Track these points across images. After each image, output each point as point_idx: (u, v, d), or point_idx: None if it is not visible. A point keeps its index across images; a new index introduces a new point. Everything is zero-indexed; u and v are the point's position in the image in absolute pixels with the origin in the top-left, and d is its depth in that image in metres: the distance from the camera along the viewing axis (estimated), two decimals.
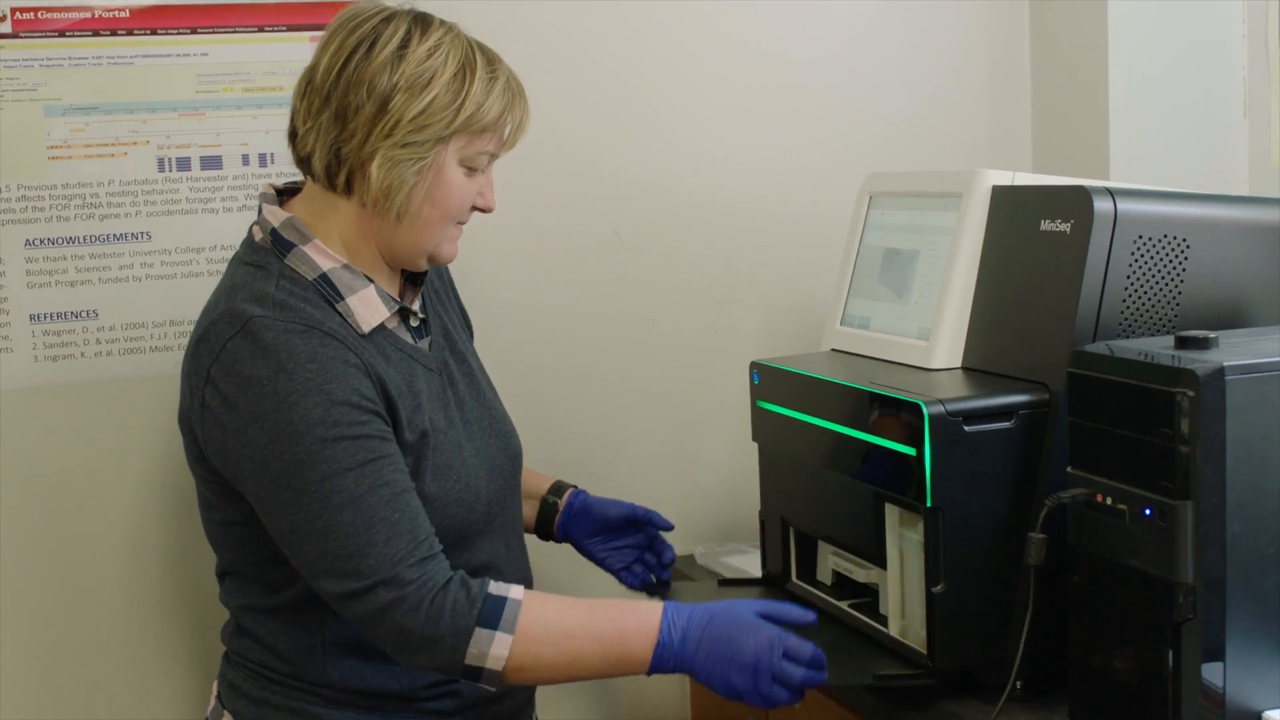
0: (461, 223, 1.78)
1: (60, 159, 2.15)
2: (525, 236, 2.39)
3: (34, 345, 2.15)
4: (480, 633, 1.59)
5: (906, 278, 2.02)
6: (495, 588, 1.62)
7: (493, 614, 1.59)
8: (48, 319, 2.16)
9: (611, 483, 2.43)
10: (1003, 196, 1.90)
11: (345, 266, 1.71)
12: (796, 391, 1.98)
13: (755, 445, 2.13)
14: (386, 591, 1.58)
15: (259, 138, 2.22)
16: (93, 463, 2.20)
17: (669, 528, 2.04)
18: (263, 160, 2.23)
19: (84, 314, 2.18)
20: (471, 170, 1.73)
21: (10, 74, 2.11)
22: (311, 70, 1.70)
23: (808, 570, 2.07)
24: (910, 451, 1.71)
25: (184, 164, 2.20)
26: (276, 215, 1.73)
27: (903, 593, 1.82)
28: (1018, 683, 1.68)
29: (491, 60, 1.74)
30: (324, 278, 1.70)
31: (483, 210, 1.78)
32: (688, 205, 2.47)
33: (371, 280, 1.73)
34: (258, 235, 1.74)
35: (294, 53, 2.22)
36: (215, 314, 1.66)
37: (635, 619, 1.64)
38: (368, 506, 1.59)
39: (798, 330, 2.51)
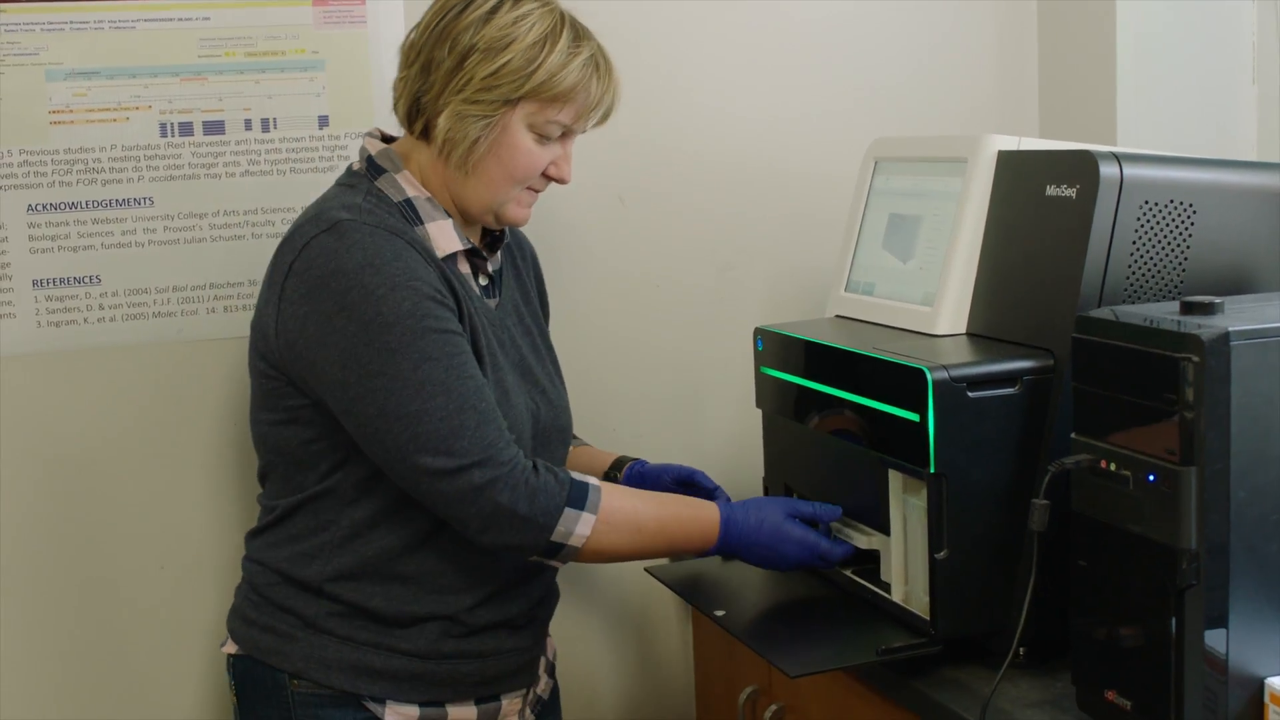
0: (534, 189, 1.86)
1: (62, 124, 2.14)
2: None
3: (36, 311, 2.14)
4: (569, 512, 1.73)
5: (911, 243, 2.01)
6: (578, 475, 1.78)
7: (579, 496, 1.74)
8: (50, 284, 2.15)
9: (615, 448, 2.43)
10: (1008, 161, 1.89)
11: (429, 199, 1.82)
12: (800, 357, 1.97)
13: (759, 411, 2.13)
14: (483, 472, 1.68)
15: (261, 102, 2.21)
16: (95, 428, 2.20)
17: (711, 488, 2.05)
18: (265, 125, 2.21)
19: (87, 279, 2.18)
20: (543, 138, 1.81)
21: (11, 38, 2.10)
22: (416, 27, 1.82)
23: None
24: (914, 417, 1.71)
25: (186, 129, 2.19)
26: (374, 145, 1.85)
27: (905, 559, 1.82)
28: (1020, 649, 1.68)
29: (580, 36, 1.80)
30: (408, 202, 1.80)
31: (556, 180, 1.86)
32: (691, 170, 2.45)
33: (450, 217, 1.83)
34: (356, 164, 1.86)
35: (296, 17, 2.20)
36: (304, 219, 1.77)
37: (694, 509, 1.85)
38: (459, 394, 1.68)
39: (801, 296, 2.50)
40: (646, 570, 2.21)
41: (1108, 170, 1.71)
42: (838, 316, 2.13)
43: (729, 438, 2.49)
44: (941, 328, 1.90)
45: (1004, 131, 1.99)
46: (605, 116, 1.87)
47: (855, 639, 1.81)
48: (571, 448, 2.10)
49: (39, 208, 2.14)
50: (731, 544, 1.84)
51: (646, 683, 2.54)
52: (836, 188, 2.39)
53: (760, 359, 2.07)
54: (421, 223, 1.80)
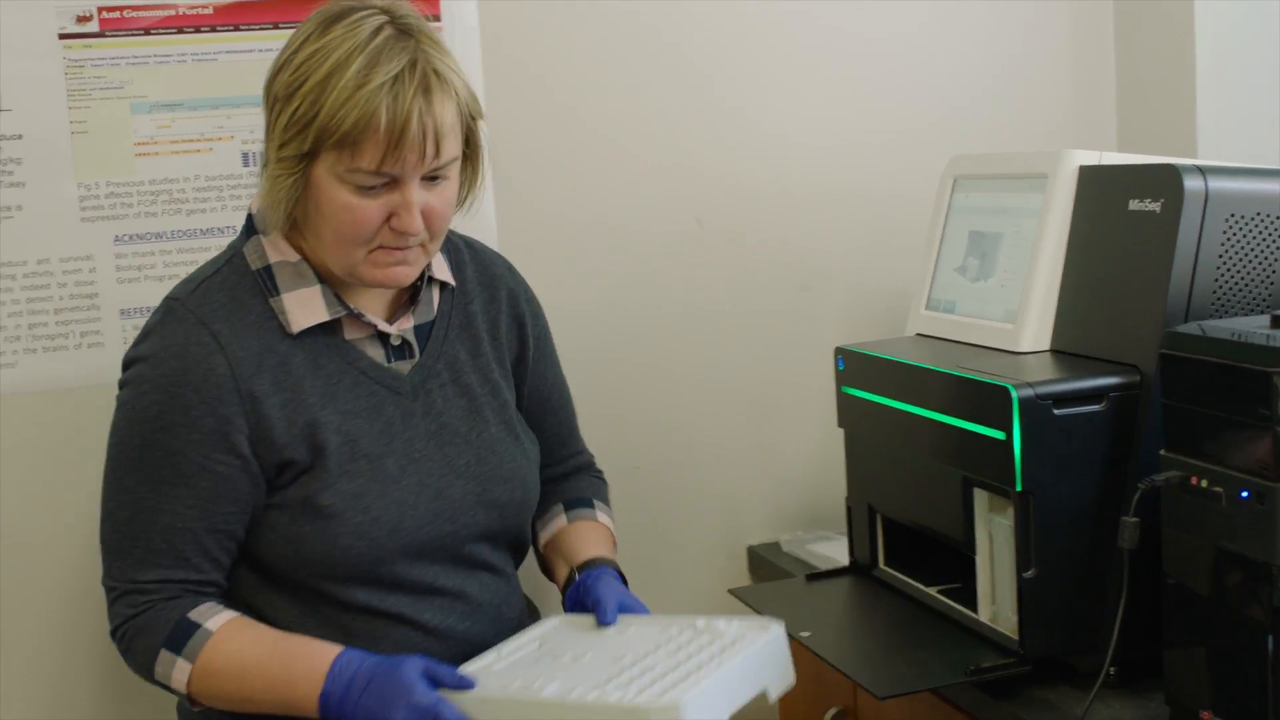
0: (393, 246, 1.59)
1: (147, 155, 2.18)
2: (602, 232, 2.38)
3: (125, 340, 2.17)
4: (164, 655, 1.58)
5: (992, 260, 2.00)
6: (198, 613, 1.59)
7: (178, 640, 1.57)
8: (138, 314, 2.18)
9: (695, 474, 2.44)
10: (1089, 176, 1.87)
11: (297, 264, 1.65)
12: (883, 376, 1.96)
13: (840, 432, 2.12)
14: (111, 596, 1.62)
15: None
16: None
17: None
18: None
19: None
20: (366, 189, 1.55)
21: (98, 72, 2.14)
22: None
23: (896, 557, 2.06)
24: (999, 435, 1.70)
25: None
26: (258, 201, 1.67)
27: (992, 579, 1.81)
28: (1111, 669, 1.65)
29: (377, 58, 1.52)
30: (267, 270, 1.65)
31: (401, 233, 1.58)
32: (767, 192, 2.45)
33: (323, 281, 1.65)
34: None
35: None
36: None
37: (307, 665, 1.55)
38: (143, 521, 1.59)
39: (881, 315, 2.49)
40: (730, 592, 2.21)
41: (1192, 184, 1.69)
42: (918, 335, 2.12)
43: (810, 459, 2.49)
44: (1025, 345, 1.88)
45: (1081, 144, 1.99)
46: (436, 147, 1.54)
47: (943, 659, 1.79)
48: (568, 523, 1.87)
49: (126, 238, 2.17)
50: (335, 696, 1.52)
51: None
52: (914, 206, 2.38)
53: (842, 378, 2.06)
54: (278, 293, 1.63)
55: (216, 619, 1.59)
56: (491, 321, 1.80)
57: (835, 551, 2.25)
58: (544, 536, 1.89)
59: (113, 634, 1.62)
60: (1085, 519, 1.71)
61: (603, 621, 1.66)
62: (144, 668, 1.60)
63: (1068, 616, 1.72)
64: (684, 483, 2.44)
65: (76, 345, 2.17)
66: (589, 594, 1.71)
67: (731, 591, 2.20)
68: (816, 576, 2.14)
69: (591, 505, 1.91)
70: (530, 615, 1.88)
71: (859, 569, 2.11)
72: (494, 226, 2.27)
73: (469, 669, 1.59)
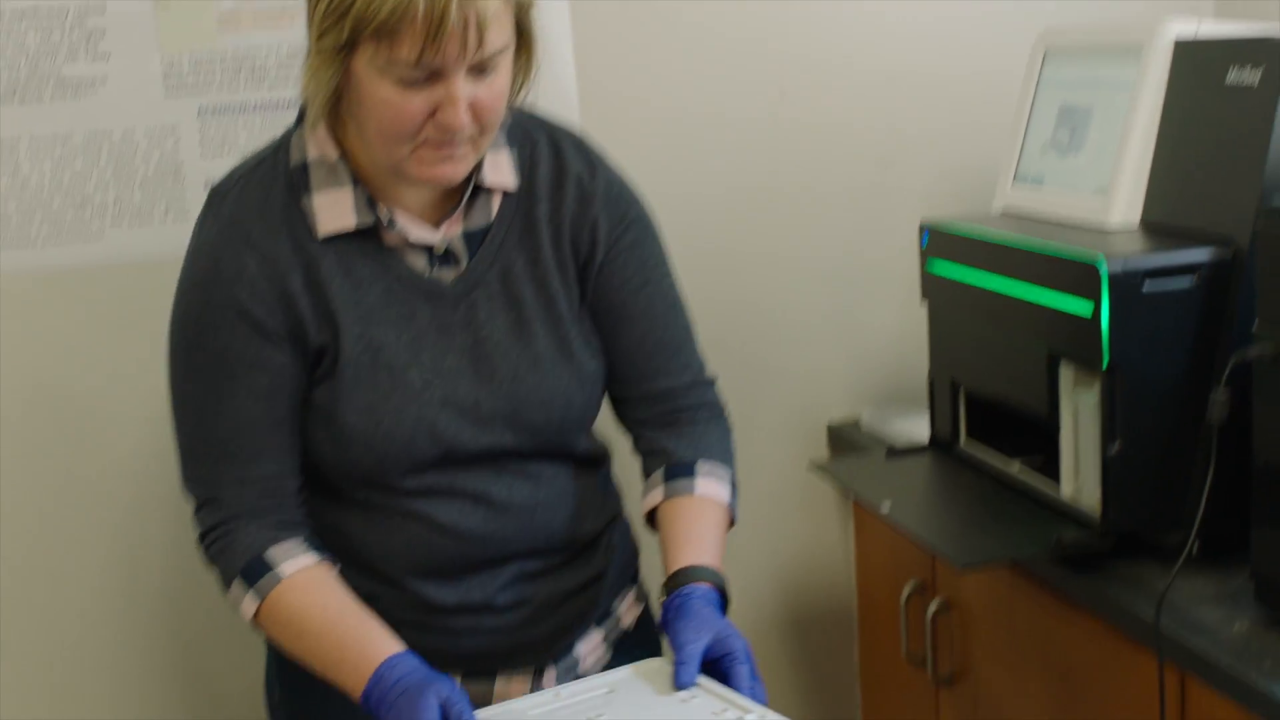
0: (439, 142, 1.49)
1: (229, 28, 2.18)
2: (685, 112, 2.36)
3: None
4: (237, 585, 1.56)
5: (1082, 134, 1.97)
6: (275, 552, 1.55)
7: (252, 574, 1.55)
8: None
9: (777, 351, 2.43)
10: (1186, 48, 1.83)
11: (335, 163, 1.56)
12: (968, 251, 1.95)
13: (922, 307, 2.10)
14: (199, 511, 1.60)
15: None
16: None
17: (738, 661, 1.50)
18: None
19: None
20: (409, 83, 1.45)
21: None
22: None
23: (977, 433, 2.05)
24: (1087, 311, 1.68)
25: None
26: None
27: (1076, 454, 1.80)
28: (1195, 544, 1.65)
29: None
30: (303, 167, 1.57)
31: (447, 129, 1.47)
32: (852, 66, 2.42)
33: (359, 183, 1.56)
34: None
35: None
36: None
37: (357, 656, 1.49)
38: (208, 423, 1.57)
39: (964, 191, 2.46)
40: (810, 467, 2.21)
41: None
42: (1005, 210, 2.10)
43: (892, 335, 2.47)
44: (1114, 219, 1.86)
45: (1180, 15, 1.93)
46: (479, 37, 1.43)
47: (1024, 533, 1.79)
48: (663, 499, 1.65)
49: (209, 111, 2.18)
50: (374, 698, 1.46)
51: (806, 581, 2.55)
52: (999, 82, 2.34)
53: (926, 253, 2.04)
54: (310, 194, 1.56)
55: (291, 563, 1.55)
56: (557, 226, 1.64)
57: (916, 428, 2.24)
58: (644, 507, 1.69)
59: (198, 542, 1.61)
60: (1172, 395, 1.69)
61: (679, 684, 1.46)
62: (221, 586, 1.59)
63: (1152, 492, 1.72)
64: (765, 359, 2.44)
65: (162, 219, 2.19)
66: (673, 631, 1.51)
67: (812, 466, 2.21)
68: (897, 453, 2.14)
69: (692, 473, 1.66)
70: (618, 532, 1.77)
71: (940, 445, 2.11)
72: (577, 111, 2.25)
73: (514, 707, 1.51)
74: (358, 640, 1.50)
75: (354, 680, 1.47)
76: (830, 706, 2.58)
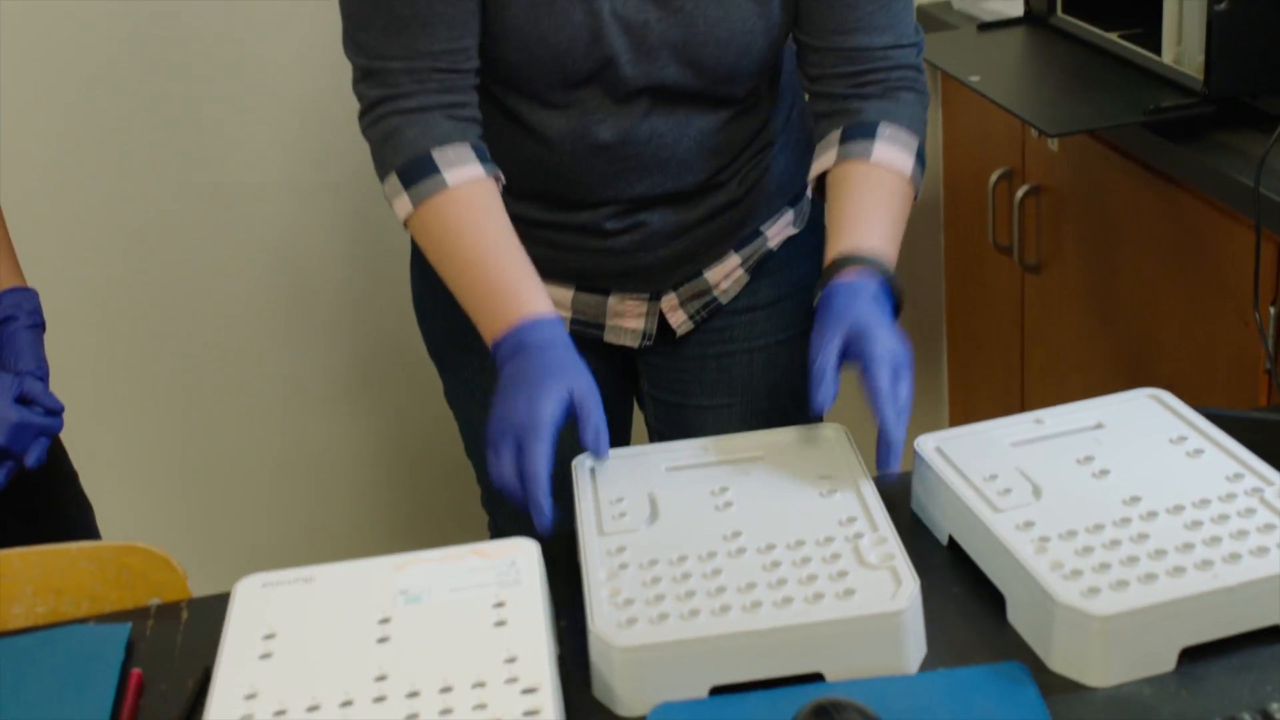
0: None
1: None
2: None
3: None
4: (394, 180, 1.38)
5: None
6: (442, 155, 1.38)
7: (412, 174, 1.37)
8: None
9: None
10: None
11: None
12: None
13: None
14: (366, 84, 1.40)
15: None
16: None
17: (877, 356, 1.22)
18: None
19: None
20: None
21: None
22: None
23: (1074, 4, 1.95)
24: None
25: None
26: None
27: (1180, 15, 1.70)
28: None
29: None
30: None
31: None
32: None
33: None
34: None
35: None
36: None
37: (499, 303, 1.33)
38: None
39: None
40: None
41: None
42: None
43: None
44: None
45: None
46: None
47: (1122, 101, 1.71)
48: (834, 163, 1.40)
49: None
50: (503, 353, 1.31)
51: None
52: None
53: None
54: None
55: (457, 172, 1.37)
56: None
57: (1009, 7, 2.14)
58: (813, 171, 1.45)
59: (360, 117, 1.43)
60: None
61: (814, 410, 1.23)
62: (377, 170, 1.42)
63: (1259, 54, 1.62)
64: None
65: None
66: (859, 342, 1.24)
67: None
68: (989, 26, 2.04)
69: (872, 135, 1.40)
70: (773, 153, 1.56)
71: (1034, 18, 2.01)
72: None
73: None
74: (505, 283, 1.34)
75: (490, 324, 1.33)
76: (914, 296, 2.55)
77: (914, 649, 1.03)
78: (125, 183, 2.22)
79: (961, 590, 1.11)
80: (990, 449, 1.18)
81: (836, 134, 1.41)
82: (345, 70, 1.41)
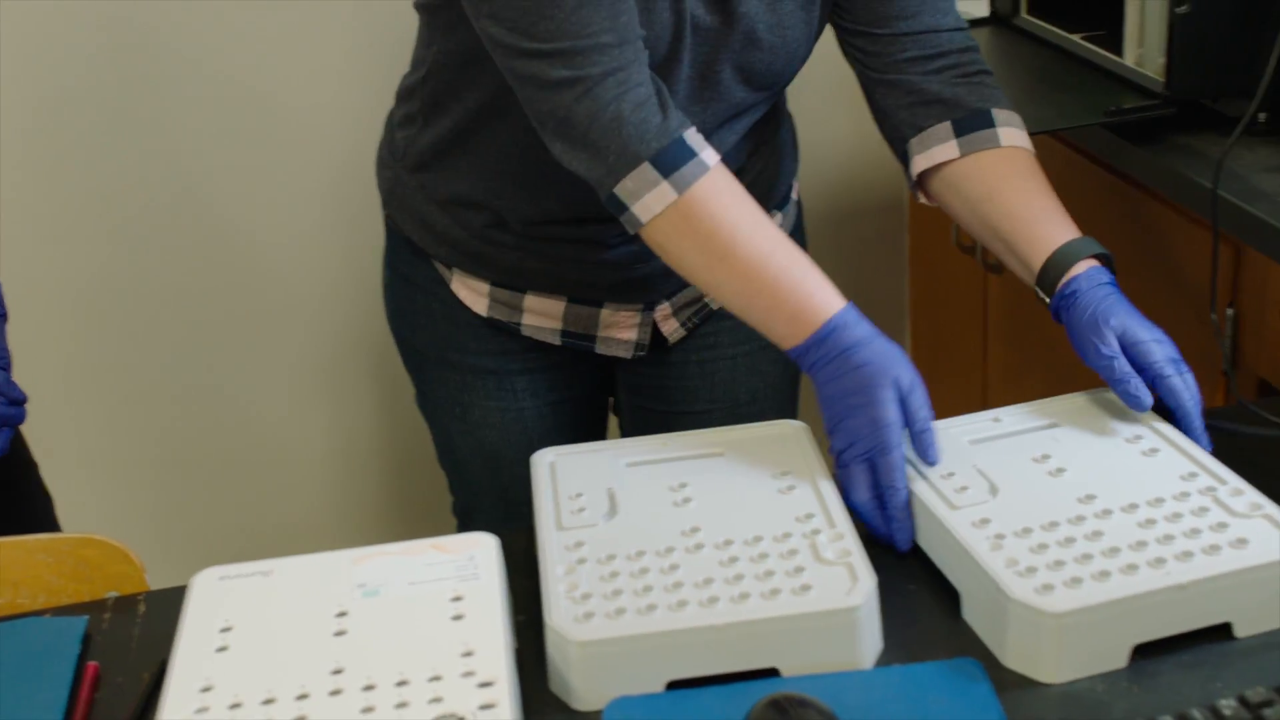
0: None
1: None
2: None
3: None
4: (646, 171, 1.21)
5: None
6: (694, 136, 1.24)
7: (672, 160, 1.22)
8: None
9: None
10: None
11: None
12: None
13: None
14: (561, 67, 1.21)
15: None
16: None
17: (1165, 374, 1.23)
18: None
19: None
20: None
21: None
22: None
23: (1039, 5, 1.96)
24: None
25: None
26: None
27: (1142, 16, 1.71)
28: (1260, 115, 1.58)
29: None
30: None
31: None
32: None
33: None
34: None
35: None
36: None
37: (795, 305, 1.21)
38: None
39: None
40: None
41: None
42: None
43: None
44: None
45: None
46: None
47: (1082, 102, 1.72)
48: (960, 155, 1.35)
49: None
50: (815, 355, 1.20)
51: (857, 168, 2.50)
52: None
53: None
54: None
55: (710, 152, 1.25)
56: None
57: (975, 9, 2.15)
58: (920, 163, 1.38)
59: (533, 100, 1.26)
60: None
61: (1136, 404, 1.20)
62: (609, 171, 1.23)
63: (1220, 56, 1.63)
64: None
65: None
66: (1076, 342, 1.23)
67: None
68: None
69: (991, 121, 1.35)
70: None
71: (1000, 19, 2.02)
72: None
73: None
74: (793, 282, 1.22)
75: (787, 329, 1.21)
76: (878, 295, 2.56)
77: (870, 645, 1.03)
78: (92, 176, 2.21)
79: (918, 587, 1.12)
80: (948, 447, 1.19)
81: (945, 127, 1.36)
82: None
